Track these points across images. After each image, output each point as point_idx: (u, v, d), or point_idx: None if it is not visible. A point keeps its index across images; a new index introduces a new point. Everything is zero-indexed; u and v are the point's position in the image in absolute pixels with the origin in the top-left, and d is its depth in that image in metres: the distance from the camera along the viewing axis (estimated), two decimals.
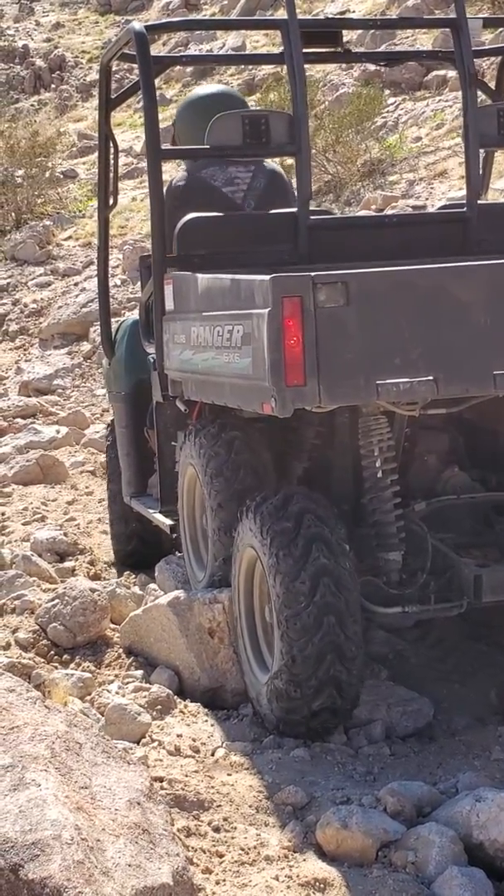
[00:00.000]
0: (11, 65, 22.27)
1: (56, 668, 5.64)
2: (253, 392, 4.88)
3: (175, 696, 5.32)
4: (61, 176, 17.84)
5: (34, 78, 22.22)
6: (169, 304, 6.02)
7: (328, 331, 4.48)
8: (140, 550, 7.48)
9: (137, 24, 6.41)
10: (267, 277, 4.57)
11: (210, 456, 5.73)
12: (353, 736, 5.23)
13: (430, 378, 4.57)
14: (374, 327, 4.58)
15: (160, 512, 6.58)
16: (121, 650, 5.92)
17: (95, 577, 7.15)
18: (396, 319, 4.64)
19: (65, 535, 7.93)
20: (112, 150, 7.20)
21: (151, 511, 6.74)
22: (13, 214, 17.36)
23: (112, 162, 7.23)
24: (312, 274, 4.53)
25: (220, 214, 6.46)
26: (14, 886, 3.48)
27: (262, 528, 4.97)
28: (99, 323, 8.20)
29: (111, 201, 7.39)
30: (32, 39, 23.88)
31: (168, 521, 6.44)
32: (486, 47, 7.82)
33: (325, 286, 4.47)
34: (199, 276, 5.60)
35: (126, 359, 7.14)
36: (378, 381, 4.54)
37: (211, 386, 5.54)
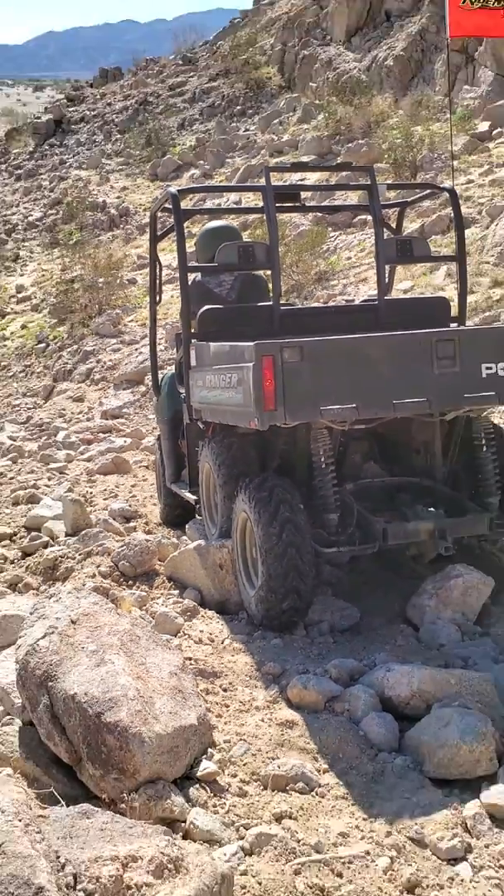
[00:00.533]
0: (96, 213, 26.00)
1: (123, 589, 6.13)
2: (244, 414, 5.44)
3: (198, 606, 5.82)
4: (126, 282, 20.82)
5: (109, 221, 26.35)
6: (193, 362, 6.71)
7: (290, 376, 5.06)
8: (177, 515, 7.95)
9: (173, 188, 7.33)
10: (252, 344, 5.17)
11: (218, 455, 6.35)
12: (310, 631, 5.73)
13: (354, 406, 5.16)
14: (318, 374, 5.15)
15: (189, 491, 7.23)
16: (164, 578, 6.42)
17: (148, 532, 7.69)
18: (332, 369, 5.23)
19: (129, 506, 8.55)
20: (158, 267, 8.06)
21: (184, 491, 7.36)
22: (97, 306, 19.96)
23: (158, 273, 8.07)
24: (280, 342, 5.23)
25: (224, 307, 7.10)
26: (97, 726, 3.65)
27: (249, 498, 5.61)
28: (150, 374, 9.07)
29: (158, 298, 8.22)
30: (108, 196, 28.39)
31: (194, 497, 7.09)
32: (389, 202, 8.83)
33: (288, 349, 5.08)
34: (211, 344, 6.30)
35: (167, 397, 7.87)
36: (321, 408, 5.13)
37: (218, 412, 6.15)
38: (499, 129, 17.95)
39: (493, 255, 12.79)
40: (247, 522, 5.66)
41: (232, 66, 33.46)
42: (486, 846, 3.61)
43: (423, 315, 6.84)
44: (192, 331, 6.82)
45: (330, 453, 5.75)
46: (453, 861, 3.53)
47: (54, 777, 3.78)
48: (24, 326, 20.66)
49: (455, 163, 17.15)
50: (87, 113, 38.59)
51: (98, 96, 41.23)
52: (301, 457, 5.99)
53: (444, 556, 5.74)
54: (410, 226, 15.22)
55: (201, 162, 26.43)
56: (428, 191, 9.09)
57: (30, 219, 28.52)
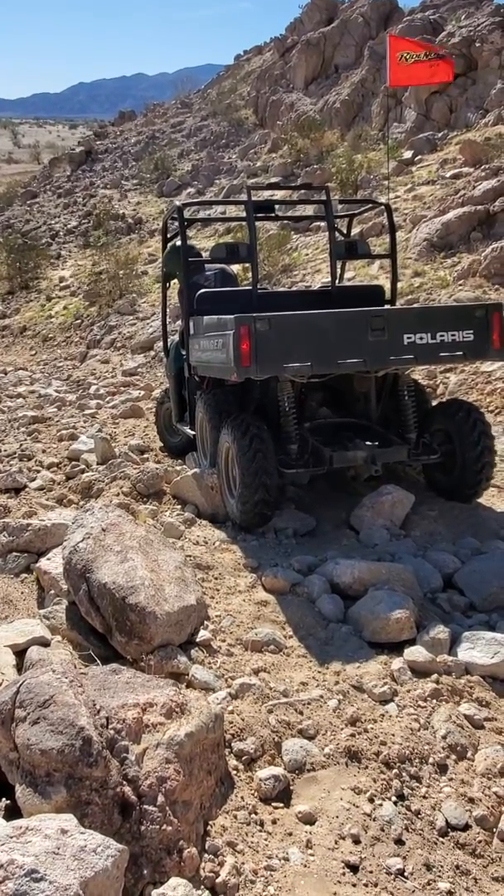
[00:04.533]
0: (118, 222, 25.36)
1: (140, 504, 6.09)
2: (227, 370, 5.48)
3: (196, 518, 5.84)
4: (140, 273, 20.23)
5: (127, 228, 25.49)
6: (191, 331, 6.67)
7: (261, 341, 5.14)
8: (178, 446, 7.86)
9: (178, 202, 7.87)
10: (232, 316, 5.29)
11: (208, 401, 6.44)
12: (278, 535, 5.71)
13: (308, 363, 5.25)
14: (282, 340, 5.23)
15: (189, 428, 7.15)
16: (170, 496, 6.38)
17: (158, 462, 7.62)
18: (293, 336, 5.27)
19: (143, 442, 8.47)
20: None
21: (186, 428, 7.29)
22: (118, 291, 19.57)
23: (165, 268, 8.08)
24: (253, 315, 5.27)
25: (216, 290, 7.10)
26: (123, 606, 3.68)
27: (231, 431, 5.64)
28: (161, 342, 9.09)
29: (169, 284, 8.25)
30: (126, 209, 27.73)
31: (193, 432, 7.02)
32: (339, 213, 8.77)
33: (259, 321, 5.18)
34: (204, 317, 6.31)
35: (173, 359, 7.63)
36: (284, 364, 5.23)
37: (209, 368, 6.15)
38: (419, 157, 17.58)
39: (414, 253, 12.59)
40: (229, 450, 5.69)
41: (218, 108, 32.52)
42: (409, 691, 3.67)
43: (365, 298, 6.80)
44: (192, 310, 6.79)
45: (292, 400, 5.80)
46: (384, 702, 3.59)
47: (92, 643, 3.80)
48: (65, 308, 20.32)
49: (386, 182, 16.99)
50: (110, 145, 37.58)
51: (118, 133, 40.12)
52: (271, 403, 5.99)
53: (375, 476, 5.88)
54: (353, 231, 15.09)
55: (196, 182, 25.82)
56: (370, 205, 9.24)
57: (68, 226, 27.87)
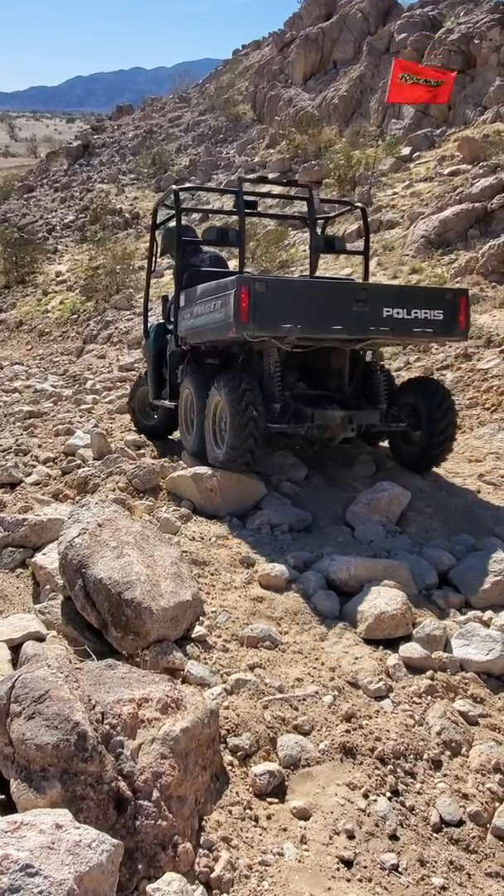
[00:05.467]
0: (114, 216, 25.64)
1: (136, 500, 6.04)
2: (225, 327, 5.74)
3: (192, 514, 5.75)
4: (137, 269, 19.80)
5: (124, 223, 25.86)
6: (182, 304, 7.03)
7: (259, 301, 5.48)
8: (152, 427, 8.33)
9: (175, 186, 7.69)
10: (234, 277, 5.70)
11: (194, 371, 6.85)
12: (275, 532, 5.63)
13: (300, 326, 5.61)
14: (278, 302, 5.56)
15: (169, 401, 7.47)
16: (166, 492, 6.28)
17: (155, 458, 7.58)
18: (287, 300, 5.64)
19: (139, 437, 8.41)
20: (155, 246, 8.29)
21: (164, 402, 7.64)
22: (115, 287, 19.61)
23: (155, 251, 8.31)
24: (253, 276, 5.90)
25: (203, 269, 7.43)
26: (119, 601, 3.66)
27: (224, 387, 5.98)
28: (143, 325, 9.18)
29: (154, 268, 8.50)
30: (123, 204, 27.92)
31: (171, 404, 7.42)
32: (322, 216, 8.90)
33: (258, 282, 5.56)
34: (199, 286, 6.59)
35: (153, 340, 7.99)
36: (280, 324, 5.56)
37: (202, 332, 6.36)
38: (417, 153, 17.55)
39: (411, 250, 12.58)
40: (219, 404, 6.10)
41: (216, 103, 32.45)
42: (403, 687, 3.68)
43: None
44: (183, 285, 7.26)
45: (277, 364, 6.27)
46: (379, 698, 3.60)
47: (87, 638, 3.79)
48: (61, 302, 20.28)
49: (383, 179, 16.95)
50: (108, 140, 37.44)
51: (115, 127, 39.97)
52: (258, 365, 6.42)
53: (349, 437, 6.46)
54: (342, 227, 15.13)
55: (193, 178, 25.69)
56: (347, 206, 9.82)
57: (65, 221, 27.78)
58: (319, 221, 8.25)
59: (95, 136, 38.77)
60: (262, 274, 7.76)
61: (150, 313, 9.20)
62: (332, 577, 4.63)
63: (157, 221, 8.39)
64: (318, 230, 7.97)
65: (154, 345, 7.90)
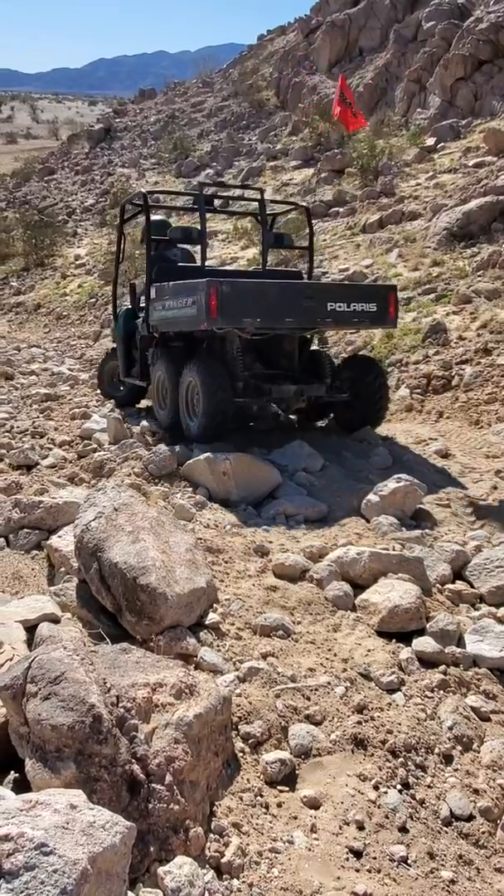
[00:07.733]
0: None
1: (151, 486, 6.09)
2: (196, 321, 6.71)
3: (207, 500, 5.84)
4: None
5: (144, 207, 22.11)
6: (153, 295, 7.87)
7: (225, 299, 6.42)
8: (122, 397, 9.39)
9: (144, 189, 9.78)
10: (205, 280, 6.54)
11: (165, 354, 7.80)
12: (290, 522, 5.72)
13: (259, 319, 6.63)
14: (241, 300, 6.56)
15: (140, 380, 8.63)
16: (181, 478, 6.34)
17: (169, 444, 7.19)
18: (248, 298, 6.66)
19: (154, 424, 8.30)
20: (123, 240, 9.74)
21: (135, 380, 8.77)
22: (133, 271, 18.24)
23: (122, 245, 9.81)
24: (220, 279, 6.67)
25: (171, 265, 8.51)
26: (134, 586, 3.68)
27: (196, 369, 6.95)
28: (111, 309, 10.48)
29: (122, 259, 10.12)
30: (143, 188, 23.32)
31: (141, 383, 8.62)
32: (270, 211, 9.93)
33: (225, 284, 6.56)
34: (170, 283, 7.52)
35: (122, 322, 9.17)
36: (242, 318, 6.54)
37: (174, 323, 7.37)
38: (442, 144, 17.38)
39: (433, 242, 12.48)
40: (191, 384, 7.03)
41: (240, 89, 32.23)
42: (416, 681, 3.69)
43: (287, 279, 8.70)
44: (155, 279, 8.10)
45: (239, 349, 7.25)
46: (391, 691, 3.60)
47: (102, 621, 3.82)
48: (80, 286, 20.27)
49: (407, 169, 16.80)
50: (129, 123, 37.34)
51: (137, 111, 39.87)
52: (224, 352, 7.32)
53: (300, 407, 7.89)
54: (364, 217, 15.00)
55: (214, 164, 25.65)
56: (292, 206, 11.33)
57: (85, 204, 27.77)
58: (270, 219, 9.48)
59: (117, 120, 38.66)
60: (226, 276, 8.79)
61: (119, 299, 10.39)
62: (346, 568, 4.63)
63: (126, 216, 9.46)
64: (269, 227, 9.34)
65: (124, 328, 9.00)
